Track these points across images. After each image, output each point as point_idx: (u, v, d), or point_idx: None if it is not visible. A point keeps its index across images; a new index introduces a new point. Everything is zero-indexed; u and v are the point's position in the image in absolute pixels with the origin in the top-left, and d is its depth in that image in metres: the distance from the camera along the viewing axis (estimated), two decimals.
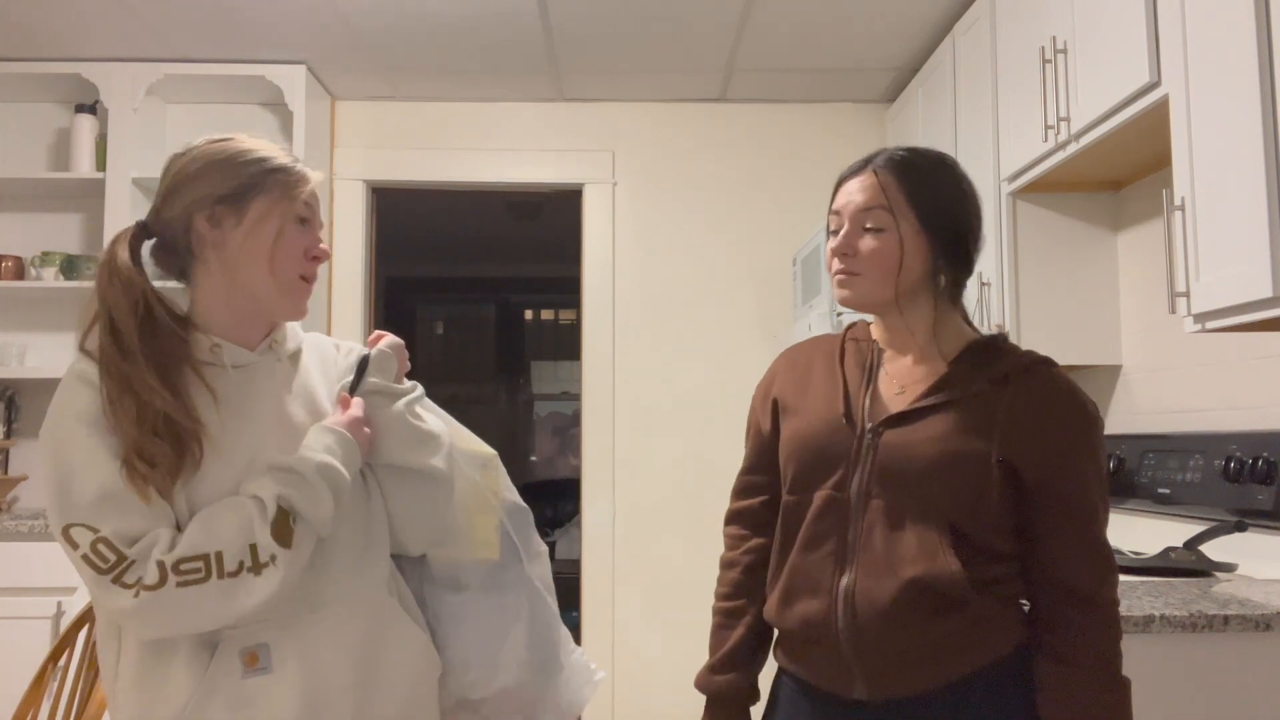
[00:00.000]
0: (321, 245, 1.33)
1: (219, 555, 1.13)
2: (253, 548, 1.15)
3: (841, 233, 1.35)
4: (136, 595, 1.11)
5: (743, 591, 1.43)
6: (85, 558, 1.13)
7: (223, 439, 1.22)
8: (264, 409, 1.28)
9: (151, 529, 1.14)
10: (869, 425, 1.31)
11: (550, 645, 1.44)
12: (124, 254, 1.25)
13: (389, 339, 1.39)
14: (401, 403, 1.34)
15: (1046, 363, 1.33)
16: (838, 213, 1.37)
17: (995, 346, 1.35)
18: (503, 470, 1.49)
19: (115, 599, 1.12)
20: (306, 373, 1.36)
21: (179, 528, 1.17)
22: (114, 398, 1.17)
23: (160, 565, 1.12)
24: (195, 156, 1.29)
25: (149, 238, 1.30)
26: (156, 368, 1.19)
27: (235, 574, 1.14)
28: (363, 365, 1.34)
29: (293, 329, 1.38)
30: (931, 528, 1.25)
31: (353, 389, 1.33)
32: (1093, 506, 1.27)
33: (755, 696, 1.43)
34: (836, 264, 1.36)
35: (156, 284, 1.27)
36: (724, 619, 1.44)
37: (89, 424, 1.17)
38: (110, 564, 1.12)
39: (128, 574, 1.12)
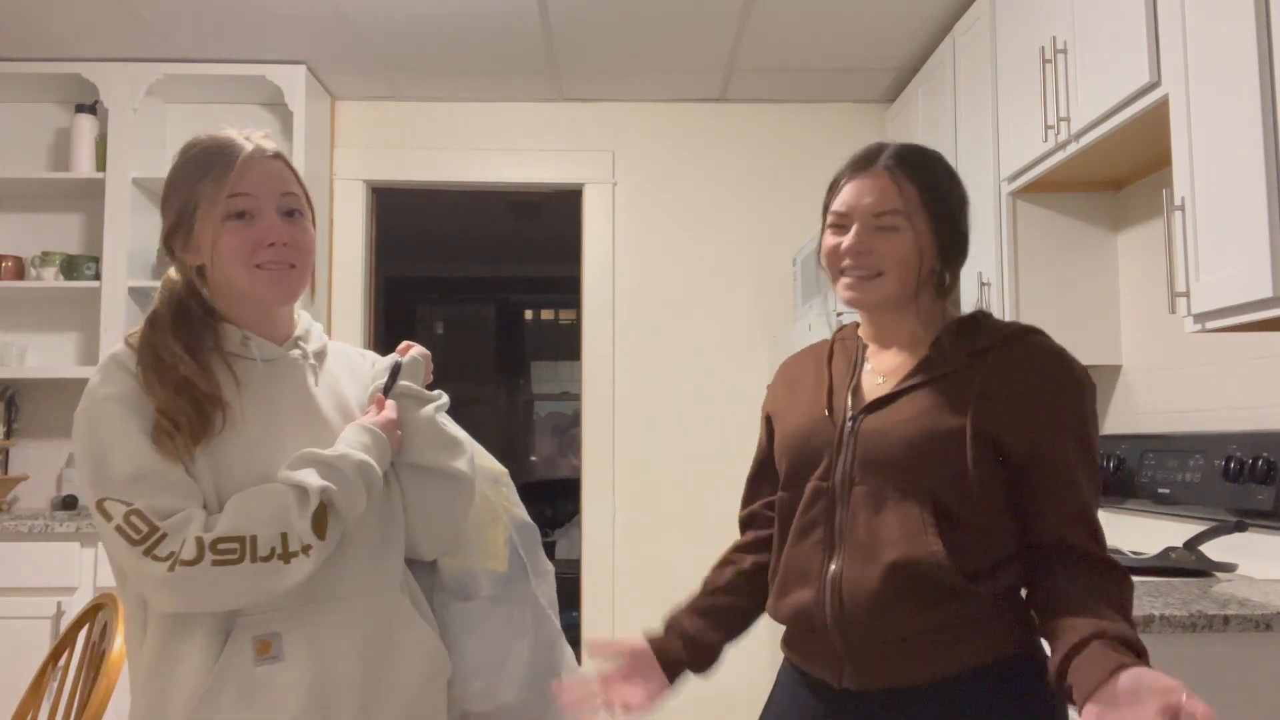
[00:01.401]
0: (277, 230, 1.28)
1: (254, 539, 1.17)
2: (284, 536, 1.18)
3: (853, 232, 1.33)
4: (171, 569, 1.14)
5: (735, 581, 1.45)
6: (119, 529, 1.16)
7: (244, 420, 1.26)
8: (289, 399, 1.31)
9: (184, 506, 1.18)
10: (849, 415, 1.33)
11: (553, 665, 1.45)
12: (173, 270, 1.34)
13: (418, 348, 1.44)
14: (430, 406, 1.39)
15: (1028, 331, 1.32)
16: (845, 213, 1.34)
17: (975, 322, 1.35)
18: (513, 488, 1.53)
19: (148, 570, 1.15)
20: (333, 372, 1.40)
21: (206, 507, 1.21)
22: (146, 366, 1.24)
23: (199, 542, 1.15)
24: (164, 183, 1.33)
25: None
26: (184, 343, 1.26)
27: (267, 559, 1.17)
28: (395, 370, 1.39)
29: (318, 331, 1.42)
30: (914, 509, 1.24)
31: (386, 391, 1.37)
32: (1075, 475, 1.24)
33: (710, 642, 1.41)
34: (849, 263, 1.33)
35: None
36: (703, 585, 1.47)
37: (125, 405, 1.21)
38: (143, 535, 1.15)
39: (160, 547, 1.15)
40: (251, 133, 1.32)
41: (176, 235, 1.30)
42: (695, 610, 1.43)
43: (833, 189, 1.38)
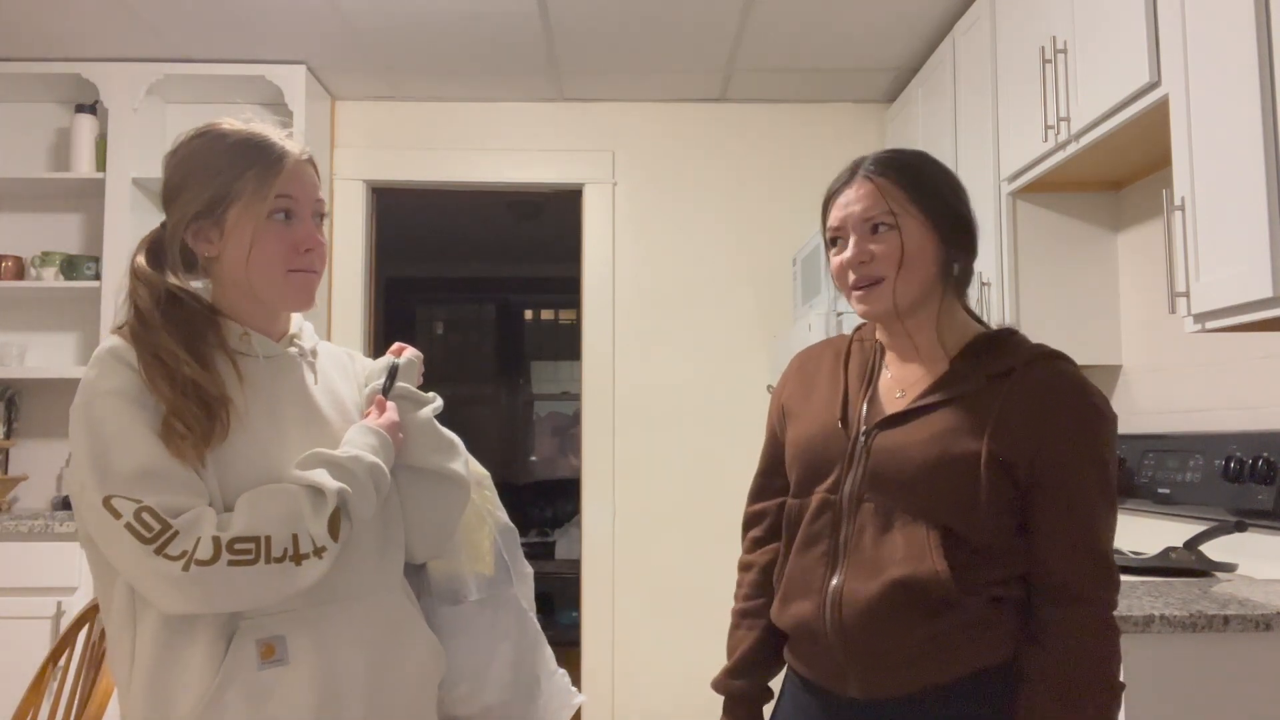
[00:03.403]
0: (314, 235, 1.29)
1: (268, 540, 1.15)
2: (295, 537, 1.16)
3: (851, 243, 1.33)
4: (186, 568, 1.11)
5: (759, 592, 1.44)
6: (129, 526, 1.12)
7: (248, 417, 1.24)
8: (290, 396, 1.30)
9: (194, 504, 1.15)
10: (863, 429, 1.32)
11: (533, 666, 1.46)
12: (141, 259, 1.29)
13: (411, 350, 1.43)
14: (428, 409, 1.38)
15: (1053, 356, 1.30)
16: (838, 227, 1.35)
17: (1000, 341, 1.33)
18: (494, 490, 1.53)
19: (159, 569, 1.12)
20: (327, 371, 1.39)
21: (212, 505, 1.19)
22: (148, 363, 1.20)
23: (216, 541, 1.13)
24: (178, 163, 1.30)
25: (163, 245, 1.30)
26: (182, 341, 1.22)
27: (280, 560, 1.15)
28: (393, 371, 1.39)
29: (309, 329, 1.41)
30: (921, 529, 1.24)
31: (385, 392, 1.36)
32: (1090, 506, 1.23)
33: (768, 697, 1.44)
34: (852, 276, 1.33)
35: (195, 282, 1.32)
36: (739, 620, 1.45)
37: (128, 398, 1.18)
38: (155, 533, 1.12)
39: (172, 545, 1.12)
40: (279, 131, 1.31)
41: (198, 221, 1.26)
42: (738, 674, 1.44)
43: (824, 210, 1.39)
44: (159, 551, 1.12)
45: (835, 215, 1.36)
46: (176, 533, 1.12)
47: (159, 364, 1.20)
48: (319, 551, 1.17)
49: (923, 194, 1.32)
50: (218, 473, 1.20)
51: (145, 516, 1.12)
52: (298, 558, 1.16)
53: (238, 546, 1.13)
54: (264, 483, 1.21)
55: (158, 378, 1.19)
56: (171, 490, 1.15)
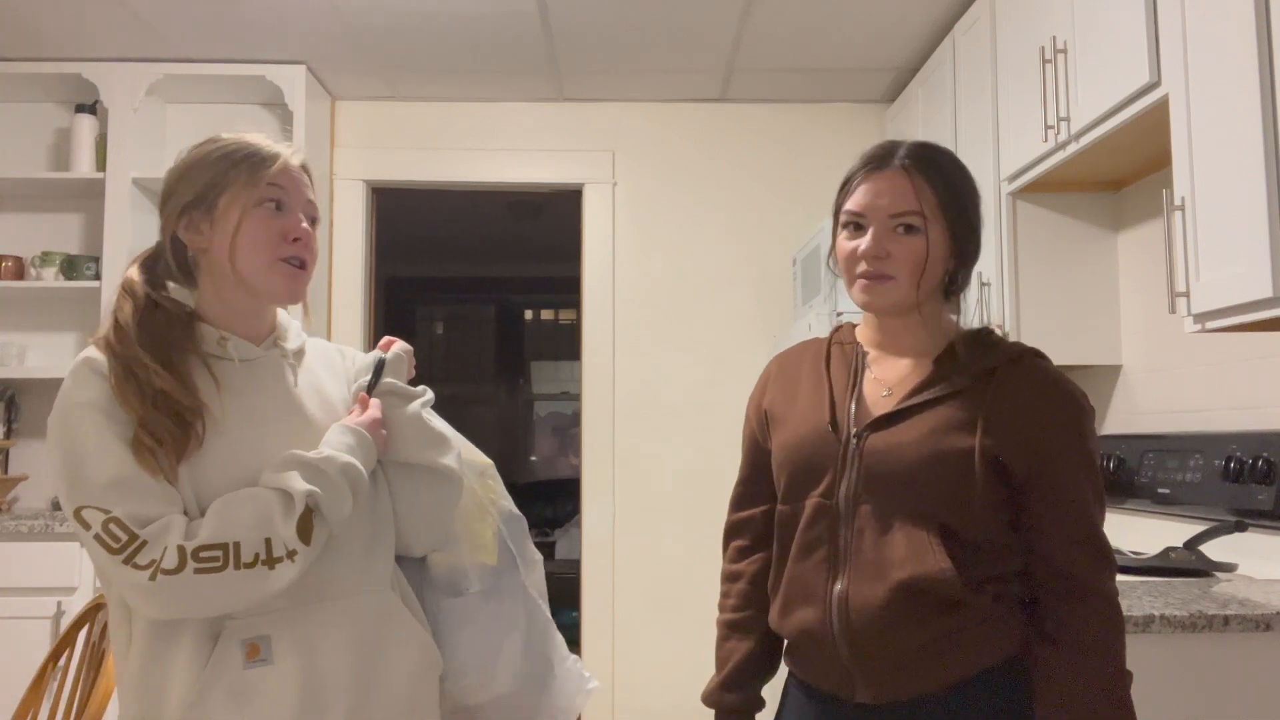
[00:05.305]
0: (303, 226, 1.31)
1: (237, 546, 1.15)
2: (268, 541, 1.17)
3: (870, 235, 1.30)
4: (153, 577, 1.13)
5: (748, 603, 1.43)
6: (97, 537, 1.14)
7: (225, 421, 1.24)
8: (269, 398, 1.30)
9: (164, 513, 1.16)
10: (854, 430, 1.31)
11: (545, 653, 1.45)
12: (134, 271, 1.32)
13: (400, 344, 1.43)
14: (416, 403, 1.38)
15: (1033, 354, 1.32)
16: (860, 213, 1.31)
17: (981, 340, 1.33)
18: (499, 479, 1.51)
19: (129, 577, 1.13)
20: (314, 370, 1.39)
21: (187, 513, 1.19)
22: (120, 377, 1.21)
23: (180, 550, 1.13)
24: (173, 169, 1.32)
25: (159, 255, 1.34)
26: (154, 353, 1.23)
27: (251, 565, 1.16)
28: (379, 367, 1.38)
29: (296, 329, 1.40)
30: (920, 528, 1.24)
31: (370, 389, 1.36)
32: (1082, 495, 1.25)
33: (761, 705, 1.43)
34: (864, 266, 1.30)
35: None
36: (729, 632, 1.43)
37: (100, 410, 1.19)
38: (122, 544, 1.14)
39: (140, 555, 1.13)
40: (278, 142, 1.34)
41: (190, 212, 1.28)
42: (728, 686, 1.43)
43: (845, 188, 1.35)
44: (127, 562, 1.13)
45: (860, 200, 1.31)
46: (145, 543, 1.14)
47: (130, 377, 1.21)
48: (291, 555, 1.17)
49: (953, 202, 1.30)
50: (194, 480, 1.20)
51: (113, 527, 1.14)
52: (271, 561, 1.16)
53: (204, 555, 1.14)
54: (241, 487, 1.21)
55: (128, 392, 1.20)
56: (140, 500, 1.16)
